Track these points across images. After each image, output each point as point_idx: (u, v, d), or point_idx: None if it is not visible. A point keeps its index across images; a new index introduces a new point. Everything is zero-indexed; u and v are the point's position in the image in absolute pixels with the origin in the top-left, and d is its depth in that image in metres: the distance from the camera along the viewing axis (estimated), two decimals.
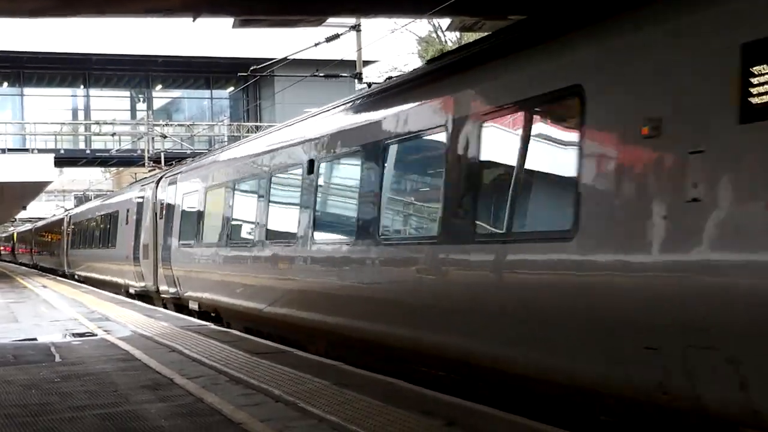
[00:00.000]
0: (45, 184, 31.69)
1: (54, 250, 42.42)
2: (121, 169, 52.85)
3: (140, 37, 40.29)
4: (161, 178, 20.20)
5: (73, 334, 12.92)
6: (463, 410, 6.64)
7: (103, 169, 57.53)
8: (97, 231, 28.59)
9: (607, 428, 6.15)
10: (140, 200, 21.36)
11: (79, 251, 33.18)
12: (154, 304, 19.17)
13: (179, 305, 17.74)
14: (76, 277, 33.42)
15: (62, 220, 39.84)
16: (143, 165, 36.36)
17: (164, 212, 18.63)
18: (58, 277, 35.02)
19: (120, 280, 23.91)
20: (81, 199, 52.85)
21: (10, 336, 12.89)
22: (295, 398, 7.20)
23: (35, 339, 12.53)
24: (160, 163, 34.62)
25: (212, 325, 13.98)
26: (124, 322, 14.40)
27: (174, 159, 32.52)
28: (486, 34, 10.28)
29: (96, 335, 12.74)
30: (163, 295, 18.86)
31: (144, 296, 20.67)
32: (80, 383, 8.50)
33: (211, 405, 7.13)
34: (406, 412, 6.54)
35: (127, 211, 23.01)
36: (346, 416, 6.44)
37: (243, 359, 9.66)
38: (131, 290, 22.09)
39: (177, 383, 8.28)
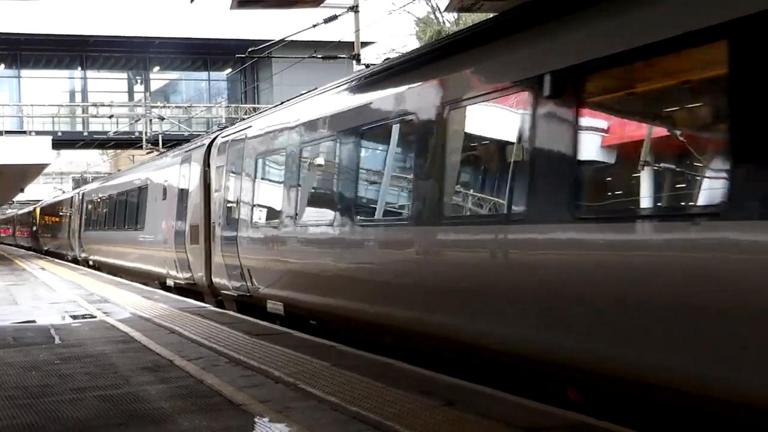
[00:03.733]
0: (43, 166, 31.59)
1: (136, 233, 21.53)
2: (118, 151, 52.81)
3: (138, 19, 40.13)
4: None
5: (73, 316, 12.94)
6: (462, 390, 6.66)
7: (100, 151, 57.45)
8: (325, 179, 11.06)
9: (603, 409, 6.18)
10: None
11: (252, 235, 13.05)
12: None
13: None
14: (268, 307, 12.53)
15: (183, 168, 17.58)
16: (141, 147, 36.27)
17: None
18: (58, 260, 31.80)
19: None
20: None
21: (10, 318, 12.90)
22: (294, 379, 7.22)
23: (34, 321, 12.55)
24: (157, 145, 34.46)
25: (210, 307, 14.00)
26: (123, 304, 14.42)
27: (172, 141, 32.35)
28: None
29: (95, 317, 12.76)
30: None
31: None
32: (80, 365, 8.52)
33: (212, 386, 7.15)
34: (405, 392, 6.56)
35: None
36: (346, 397, 6.46)
37: (242, 341, 9.69)
38: None
39: (177, 365, 8.29)
